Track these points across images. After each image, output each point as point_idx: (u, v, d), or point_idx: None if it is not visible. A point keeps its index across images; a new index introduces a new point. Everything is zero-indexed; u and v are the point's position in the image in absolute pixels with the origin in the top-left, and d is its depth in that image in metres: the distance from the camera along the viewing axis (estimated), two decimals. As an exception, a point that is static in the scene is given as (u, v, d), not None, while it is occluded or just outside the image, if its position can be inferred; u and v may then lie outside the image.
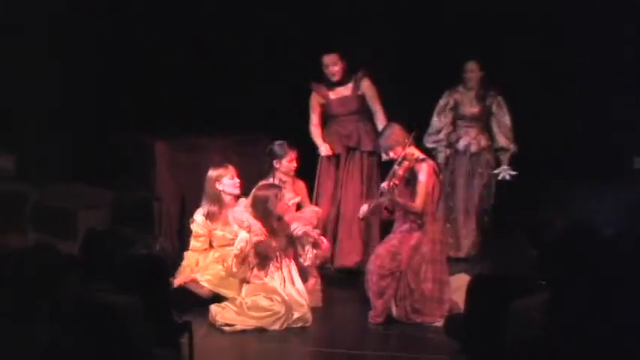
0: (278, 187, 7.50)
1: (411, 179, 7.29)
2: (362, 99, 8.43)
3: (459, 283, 7.35)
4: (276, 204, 7.36)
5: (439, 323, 7.10)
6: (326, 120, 8.49)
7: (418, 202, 7.25)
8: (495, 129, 8.79)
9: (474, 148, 8.85)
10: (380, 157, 7.92)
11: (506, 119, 8.72)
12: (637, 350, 4.27)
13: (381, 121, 8.31)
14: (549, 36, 8.77)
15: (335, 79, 8.39)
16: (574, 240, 4.50)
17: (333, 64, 8.34)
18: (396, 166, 7.24)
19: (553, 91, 8.68)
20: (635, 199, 7.91)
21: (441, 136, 8.87)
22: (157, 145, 8.56)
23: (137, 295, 4.59)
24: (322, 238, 7.49)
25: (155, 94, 9.04)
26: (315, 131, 8.49)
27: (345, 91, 8.43)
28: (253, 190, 7.51)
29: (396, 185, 7.19)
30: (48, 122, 8.95)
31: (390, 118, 8.05)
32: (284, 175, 7.90)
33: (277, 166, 7.89)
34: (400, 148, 7.29)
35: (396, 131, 7.38)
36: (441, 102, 8.88)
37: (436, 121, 8.88)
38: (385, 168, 7.71)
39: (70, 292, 4.45)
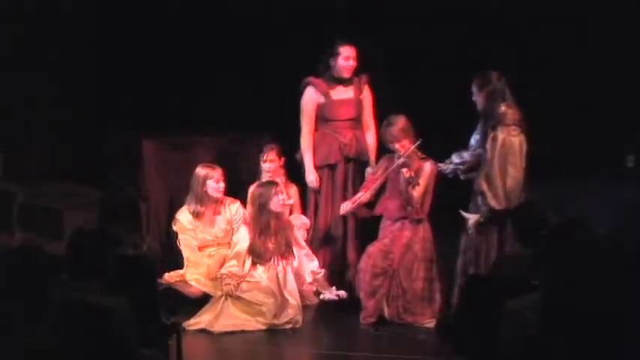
0: (275, 184, 7.45)
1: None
2: (361, 105, 7.85)
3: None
4: (270, 199, 7.32)
5: (430, 323, 7.11)
6: (316, 125, 7.84)
7: (417, 195, 7.23)
8: (481, 171, 6.93)
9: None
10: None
11: (494, 167, 6.80)
12: (633, 351, 4.24)
13: (372, 136, 7.82)
14: (547, 35, 8.72)
15: (346, 75, 7.70)
16: (568, 239, 4.48)
17: (353, 59, 7.72)
18: (404, 159, 7.20)
19: (551, 89, 8.62)
20: (628, 197, 7.89)
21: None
22: (144, 144, 8.45)
23: (124, 296, 4.55)
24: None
25: (143, 91, 8.97)
26: (308, 142, 7.77)
27: (347, 92, 7.80)
28: (251, 188, 7.50)
29: (412, 177, 7.13)
30: (35, 121, 8.88)
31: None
32: (268, 173, 7.80)
33: (262, 165, 7.86)
34: (408, 142, 7.22)
35: (405, 121, 7.27)
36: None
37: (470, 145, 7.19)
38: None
39: (57, 293, 4.38)
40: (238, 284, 7.27)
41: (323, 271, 7.52)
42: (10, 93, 8.64)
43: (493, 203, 6.88)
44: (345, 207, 7.44)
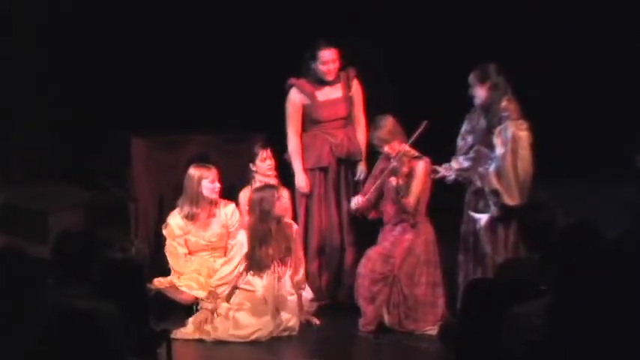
0: (274, 188, 7.31)
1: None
2: (351, 102, 7.74)
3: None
4: (274, 204, 7.17)
5: (433, 330, 7.04)
6: (303, 126, 7.74)
7: (412, 200, 7.11)
8: (491, 168, 6.84)
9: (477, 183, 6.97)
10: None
11: (506, 162, 6.73)
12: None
13: (362, 132, 7.70)
14: (548, 34, 8.71)
15: (329, 78, 7.61)
16: (576, 241, 4.37)
17: (333, 62, 7.58)
18: (394, 163, 7.07)
19: (551, 89, 8.57)
20: (629, 197, 7.85)
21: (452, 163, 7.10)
22: (133, 142, 8.35)
23: (112, 301, 4.46)
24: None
25: (132, 88, 8.92)
26: (296, 145, 7.64)
27: (335, 92, 7.68)
28: (242, 193, 7.37)
29: (401, 184, 7.03)
30: (18, 120, 8.79)
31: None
32: (263, 176, 7.64)
33: (254, 169, 7.69)
34: (397, 143, 7.11)
35: (392, 122, 7.16)
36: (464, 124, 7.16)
37: (458, 146, 7.13)
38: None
39: (40, 298, 4.33)
40: (213, 311, 7.13)
41: (315, 304, 7.46)
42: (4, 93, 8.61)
43: (508, 200, 6.79)
44: (357, 201, 7.27)
